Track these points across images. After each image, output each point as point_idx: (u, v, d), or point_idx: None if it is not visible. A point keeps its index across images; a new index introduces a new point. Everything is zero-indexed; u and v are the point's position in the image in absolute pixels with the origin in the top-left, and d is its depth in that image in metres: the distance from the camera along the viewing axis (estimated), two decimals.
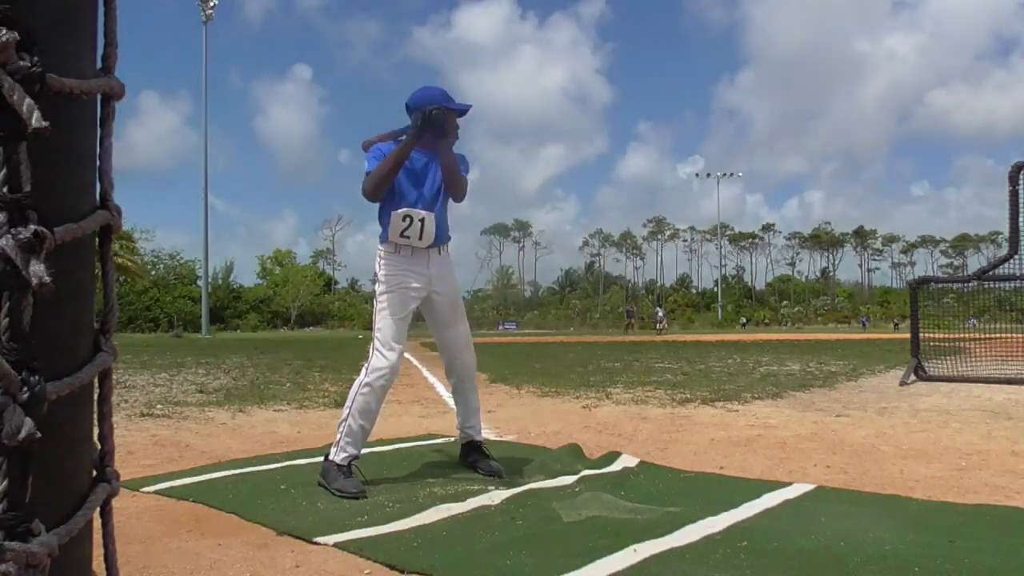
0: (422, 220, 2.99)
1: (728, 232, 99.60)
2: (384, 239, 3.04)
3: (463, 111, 3.04)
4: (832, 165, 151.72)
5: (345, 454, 2.92)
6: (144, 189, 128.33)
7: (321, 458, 3.57)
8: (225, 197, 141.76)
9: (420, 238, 3.00)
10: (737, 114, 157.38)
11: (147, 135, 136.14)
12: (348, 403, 2.97)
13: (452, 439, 4.20)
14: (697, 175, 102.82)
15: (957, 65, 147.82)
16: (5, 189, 0.43)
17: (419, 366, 10.29)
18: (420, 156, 3.01)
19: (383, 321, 2.99)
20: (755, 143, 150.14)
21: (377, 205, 3.04)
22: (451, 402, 6.09)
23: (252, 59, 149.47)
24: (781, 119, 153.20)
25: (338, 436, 2.96)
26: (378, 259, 3.08)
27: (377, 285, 3.06)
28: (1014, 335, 9.01)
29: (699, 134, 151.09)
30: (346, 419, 2.95)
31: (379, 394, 2.96)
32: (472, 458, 3.27)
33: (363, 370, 2.99)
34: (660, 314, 49.04)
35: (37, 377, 0.43)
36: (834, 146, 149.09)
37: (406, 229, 2.98)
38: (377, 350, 2.97)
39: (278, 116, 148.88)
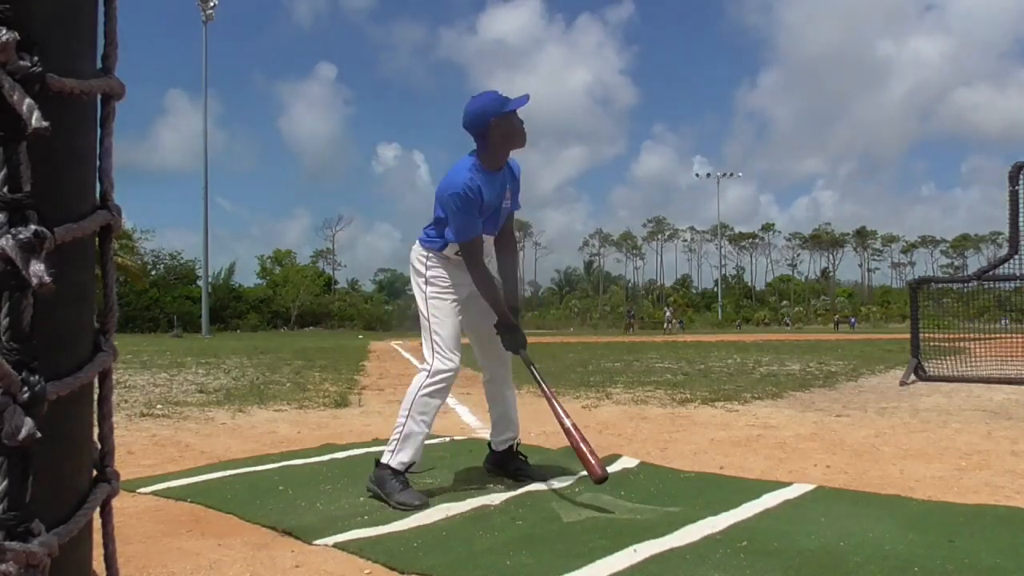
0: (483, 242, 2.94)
1: (728, 232, 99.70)
2: (436, 247, 2.92)
3: (521, 105, 2.88)
4: (843, 166, 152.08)
5: (404, 459, 2.76)
6: (164, 188, 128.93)
7: (320, 458, 3.54)
8: (238, 198, 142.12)
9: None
10: (752, 116, 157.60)
11: (173, 134, 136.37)
12: (407, 406, 2.81)
13: (449, 439, 4.20)
14: (697, 175, 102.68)
15: (976, 68, 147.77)
16: (5, 189, 0.43)
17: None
18: (491, 180, 2.88)
19: (442, 323, 2.87)
20: (765, 145, 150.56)
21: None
22: (451, 402, 6.11)
23: (275, 59, 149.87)
24: (795, 121, 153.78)
25: (395, 440, 2.80)
26: (423, 260, 2.94)
27: (427, 287, 2.92)
28: (1014, 335, 9.01)
29: (708, 135, 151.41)
30: (405, 423, 2.79)
31: (442, 397, 2.84)
32: (513, 465, 3.14)
33: (423, 373, 2.85)
34: (668, 314, 49.44)
35: (37, 377, 0.43)
36: (845, 148, 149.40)
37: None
38: (439, 353, 2.84)
39: (300, 117, 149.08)
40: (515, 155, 2.99)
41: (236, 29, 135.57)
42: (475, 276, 2.86)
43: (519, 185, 3.06)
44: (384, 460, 2.77)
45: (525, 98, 2.86)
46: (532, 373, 2.99)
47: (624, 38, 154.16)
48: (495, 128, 2.82)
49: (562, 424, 2.73)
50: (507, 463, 3.14)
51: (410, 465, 2.78)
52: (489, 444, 3.22)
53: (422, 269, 2.94)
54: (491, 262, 3.06)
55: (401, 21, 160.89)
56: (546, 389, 2.88)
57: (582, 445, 2.63)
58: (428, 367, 2.84)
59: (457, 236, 2.83)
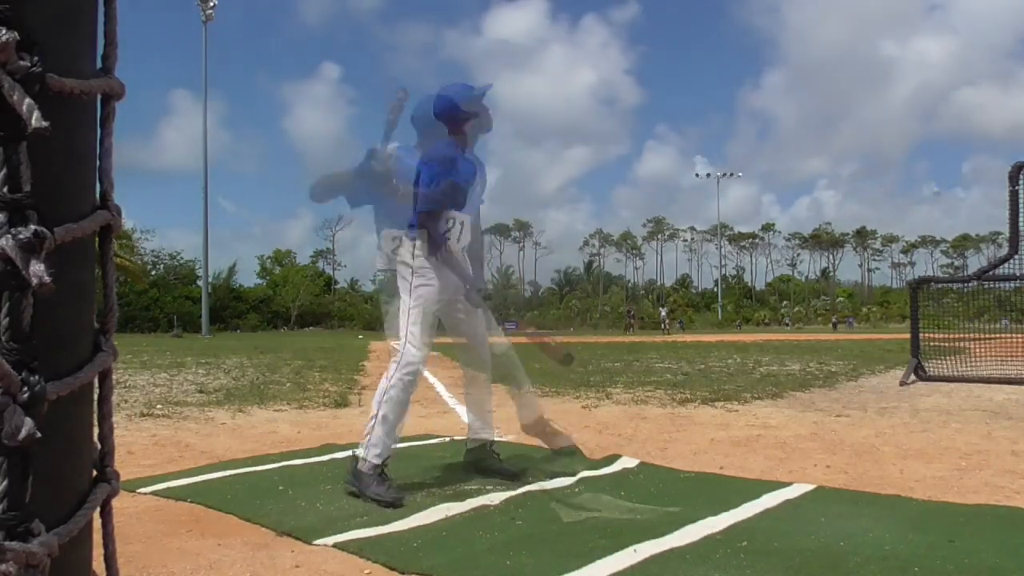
0: (462, 223, 3.04)
1: (728, 232, 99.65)
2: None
3: (485, 92, 3.11)
4: (846, 166, 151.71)
5: (377, 454, 2.80)
6: (165, 188, 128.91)
7: (320, 458, 3.55)
8: (240, 198, 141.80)
9: (458, 240, 3.04)
10: (755, 116, 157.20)
11: (176, 134, 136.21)
12: (378, 400, 2.87)
13: (449, 439, 4.20)
14: (698, 175, 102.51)
15: (980, 68, 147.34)
16: (5, 189, 0.43)
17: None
18: (465, 157, 3.07)
19: (421, 313, 2.92)
20: (767, 145, 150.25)
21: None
22: (451, 402, 6.11)
23: (279, 59, 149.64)
24: (798, 121, 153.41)
25: (368, 436, 2.84)
26: (411, 250, 2.98)
27: (413, 277, 2.96)
28: (1014, 335, 9.01)
29: (710, 135, 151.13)
30: (376, 417, 2.84)
31: (410, 390, 2.89)
32: (485, 463, 3.21)
33: (392, 366, 2.90)
34: (663, 314, 49.37)
35: (37, 377, 0.43)
36: (847, 148, 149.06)
37: (447, 231, 2.99)
38: (410, 344, 2.89)
39: (304, 117, 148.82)
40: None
41: (241, 29, 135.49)
42: (430, 246, 2.94)
43: (485, 181, 3.25)
44: (360, 454, 2.83)
45: (488, 86, 3.15)
46: (489, 317, 3.12)
47: (629, 38, 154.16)
48: (464, 112, 3.05)
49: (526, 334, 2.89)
50: (479, 460, 3.24)
51: (387, 458, 2.83)
52: (466, 443, 3.34)
53: (409, 260, 2.99)
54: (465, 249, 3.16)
55: (406, 21, 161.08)
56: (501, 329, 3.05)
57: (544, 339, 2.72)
58: (398, 359, 2.90)
59: (420, 203, 2.96)
